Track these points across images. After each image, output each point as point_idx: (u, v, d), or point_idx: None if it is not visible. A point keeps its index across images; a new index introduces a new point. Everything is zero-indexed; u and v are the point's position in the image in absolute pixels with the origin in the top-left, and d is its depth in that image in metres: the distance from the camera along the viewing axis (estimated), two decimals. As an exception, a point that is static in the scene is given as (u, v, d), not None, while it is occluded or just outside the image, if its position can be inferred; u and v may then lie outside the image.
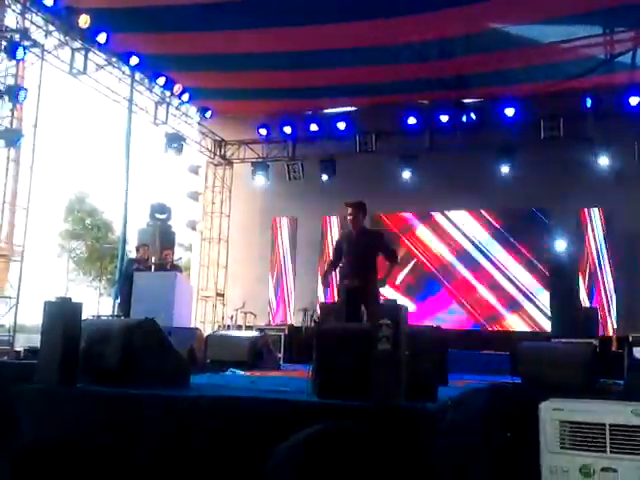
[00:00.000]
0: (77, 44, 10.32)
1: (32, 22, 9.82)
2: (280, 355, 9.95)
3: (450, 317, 12.15)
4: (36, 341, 4.68)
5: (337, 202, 13.21)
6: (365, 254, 6.70)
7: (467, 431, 4.36)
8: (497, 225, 12.45)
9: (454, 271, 12.54)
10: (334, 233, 13.48)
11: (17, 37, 9.52)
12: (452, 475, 3.81)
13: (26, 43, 9.60)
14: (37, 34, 9.89)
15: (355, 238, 6.80)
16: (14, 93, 9.42)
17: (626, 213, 11.29)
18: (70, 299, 4.44)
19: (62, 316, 4.23)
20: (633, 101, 10.88)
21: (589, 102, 10.99)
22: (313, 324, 11.85)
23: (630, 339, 8.88)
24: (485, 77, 11.31)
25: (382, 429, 3.30)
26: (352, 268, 6.67)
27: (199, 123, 13.93)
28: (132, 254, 12.54)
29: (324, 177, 12.94)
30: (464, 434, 4.24)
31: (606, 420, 3.86)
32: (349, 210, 6.81)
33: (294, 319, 13.01)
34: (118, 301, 10.25)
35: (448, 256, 12.61)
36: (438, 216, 12.81)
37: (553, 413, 4.06)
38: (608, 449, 3.83)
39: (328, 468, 1.11)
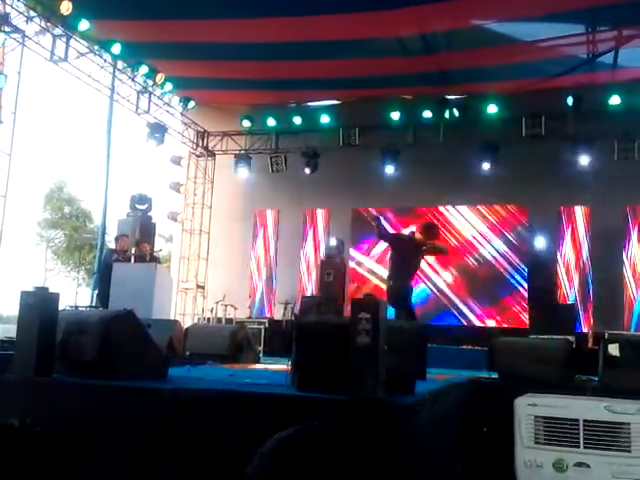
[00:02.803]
0: (58, 31, 10.17)
1: (13, 7, 9.65)
2: (260, 348, 9.96)
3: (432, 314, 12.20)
4: (13, 331, 4.63)
5: (320, 195, 13.35)
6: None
7: (444, 425, 4.40)
8: (477, 221, 12.53)
9: (434, 267, 12.59)
10: (317, 226, 13.49)
11: (-3, 22, 9.37)
12: (429, 468, 3.84)
13: (6, 29, 9.46)
14: (18, 20, 9.71)
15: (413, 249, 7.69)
16: (-7, 79, 9.27)
17: (606, 211, 11.44)
18: (47, 289, 4.40)
19: (39, 306, 4.19)
20: (614, 100, 10.99)
21: (571, 100, 11.08)
22: (293, 317, 11.87)
23: (606, 336, 8.97)
24: (468, 74, 11.34)
25: (360, 422, 3.32)
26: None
27: (182, 113, 13.81)
28: (111, 244, 12.41)
29: (307, 170, 12.92)
30: (441, 428, 4.28)
31: (580, 416, 3.91)
32: (417, 232, 7.77)
33: (275, 312, 13.01)
34: (97, 292, 10.15)
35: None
36: (420, 211, 12.83)
37: (528, 408, 4.12)
38: (582, 444, 3.88)
39: (301, 470, 1.11)
